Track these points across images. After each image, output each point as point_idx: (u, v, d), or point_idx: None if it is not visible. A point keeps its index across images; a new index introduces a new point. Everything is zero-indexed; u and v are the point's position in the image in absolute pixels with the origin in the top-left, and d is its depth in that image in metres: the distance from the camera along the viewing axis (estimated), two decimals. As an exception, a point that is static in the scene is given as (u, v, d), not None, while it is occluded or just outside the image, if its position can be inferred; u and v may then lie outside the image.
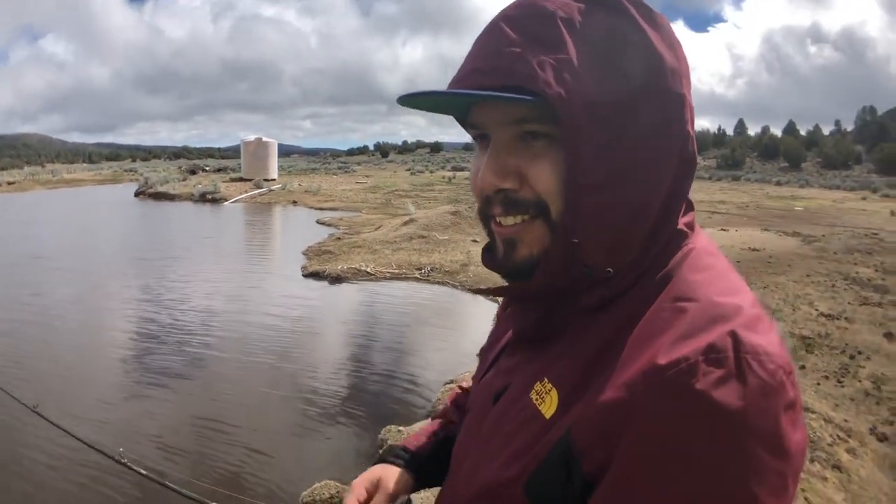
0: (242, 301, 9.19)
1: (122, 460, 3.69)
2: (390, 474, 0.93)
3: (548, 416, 0.63)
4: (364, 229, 16.15)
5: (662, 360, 0.54)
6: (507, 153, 0.65)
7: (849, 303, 7.85)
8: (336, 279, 10.55)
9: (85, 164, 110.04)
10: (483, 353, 0.90)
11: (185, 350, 6.90)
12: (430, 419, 1.10)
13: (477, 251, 11.65)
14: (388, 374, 6.18)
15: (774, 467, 0.52)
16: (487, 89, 0.62)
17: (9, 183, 44.38)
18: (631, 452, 0.54)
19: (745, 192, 25.13)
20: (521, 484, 0.62)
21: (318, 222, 18.88)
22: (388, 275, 10.70)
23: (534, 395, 0.66)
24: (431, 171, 47.38)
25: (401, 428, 4.65)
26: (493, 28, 0.65)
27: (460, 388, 1.09)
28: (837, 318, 7.07)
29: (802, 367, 5.52)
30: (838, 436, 4.21)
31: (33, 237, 16.66)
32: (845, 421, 4.46)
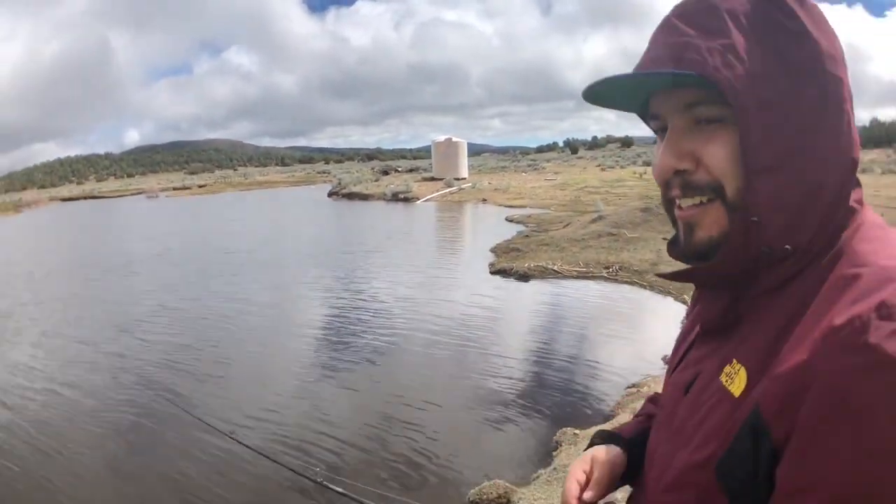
0: (430, 297, 9.64)
1: (318, 479, 4.00)
2: (606, 454, 0.93)
3: (737, 394, 0.65)
4: (552, 227, 16.08)
5: (838, 321, 0.56)
6: (683, 137, 0.70)
7: None
8: (523, 276, 10.64)
9: (277, 167, 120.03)
10: (674, 350, 0.92)
11: (370, 343, 7.44)
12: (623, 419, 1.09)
13: (668, 250, 11.10)
14: (567, 374, 6.11)
15: None
16: (680, 71, 0.66)
17: (199, 186, 50.18)
18: (812, 412, 0.55)
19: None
20: (711, 467, 0.64)
21: (506, 220, 19.16)
22: (574, 273, 10.57)
23: (723, 378, 0.68)
24: (622, 167, 45.70)
25: (577, 431, 4.57)
26: (666, 23, 0.71)
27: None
28: None
29: None
30: None
31: (236, 233, 18.79)
32: None
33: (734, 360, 0.67)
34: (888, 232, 0.67)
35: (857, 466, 0.52)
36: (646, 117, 0.78)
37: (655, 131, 0.76)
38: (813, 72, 0.65)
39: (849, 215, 0.68)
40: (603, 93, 0.73)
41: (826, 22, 0.67)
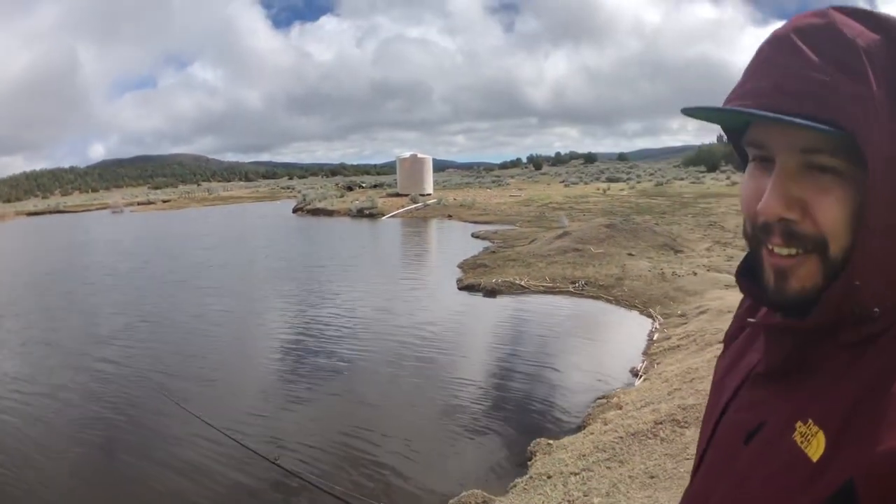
0: (398, 311, 9.72)
1: (277, 461, 4.01)
2: None
3: (814, 459, 0.61)
4: (518, 243, 16.32)
5: None
6: (793, 182, 0.64)
7: None
8: (490, 292, 10.79)
9: (241, 182, 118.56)
10: (718, 379, 0.88)
11: (339, 355, 7.51)
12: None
13: (632, 265, 11.39)
14: (538, 387, 6.26)
15: None
16: (791, 113, 0.60)
17: (163, 201, 49.66)
18: None
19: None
20: None
21: (472, 236, 19.37)
22: (541, 288, 10.76)
23: (798, 438, 0.63)
24: (586, 183, 46.59)
25: (550, 441, 4.70)
26: (789, 43, 0.64)
27: None
28: None
29: None
30: None
31: (205, 248, 18.60)
32: None
33: (810, 421, 0.63)
34: None
35: None
36: (730, 133, 0.75)
37: (751, 158, 0.71)
38: None
39: None
40: (716, 112, 0.68)
41: None
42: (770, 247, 0.67)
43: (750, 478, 0.68)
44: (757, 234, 0.69)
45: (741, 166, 0.74)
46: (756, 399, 0.73)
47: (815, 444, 0.61)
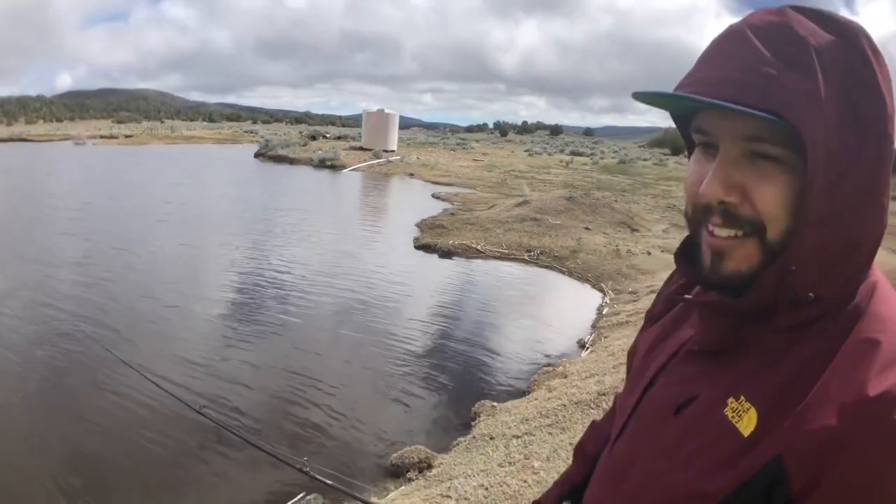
0: (351, 266, 9.66)
1: (201, 410, 3.90)
2: None
3: (745, 433, 0.65)
4: (478, 207, 16.31)
5: (872, 392, 0.59)
6: (735, 167, 0.67)
7: None
8: (446, 253, 10.80)
9: (204, 123, 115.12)
10: (640, 354, 0.92)
11: (287, 306, 7.41)
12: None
13: (588, 239, 11.52)
14: (485, 351, 6.32)
15: None
16: (735, 102, 0.63)
17: (126, 136, 48.20)
18: (842, 478, 0.58)
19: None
20: (715, 500, 0.65)
21: (433, 196, 19.28)
22: (497, 254, 10.81)
23: (729, 412, 0.67)
24: (550, 154, 46.73)
25: (494, 404, 4.76)
26: (742, 37, 0.66)
27: (593, 423, 1.13)
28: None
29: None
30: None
31: (163, 186, 18.10)
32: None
33: (742, 397, 0.67)
34: (894, 295, 0.70)
35: None
36: (680, 119, 0.77)
37: (696, 143, 0.73)
38: (875, 129, 0.64)
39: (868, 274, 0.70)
40: (661, 97, 0.70)
41: (889, 78, 0.66)
42: (710, 228, 0.70)
43: (678, 448, 0.71)
44: (698, 216, 0.72)
45: (689, 153, 0.77)
46: (687, 375, 0.76)
47: (746, 420, 0.65)
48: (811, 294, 0.65)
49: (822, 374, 0.62)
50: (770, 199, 0.65)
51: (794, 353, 0.66)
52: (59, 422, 4.47)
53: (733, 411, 0.67)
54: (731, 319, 0.71)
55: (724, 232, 0.69)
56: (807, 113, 0.61)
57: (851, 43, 0.64)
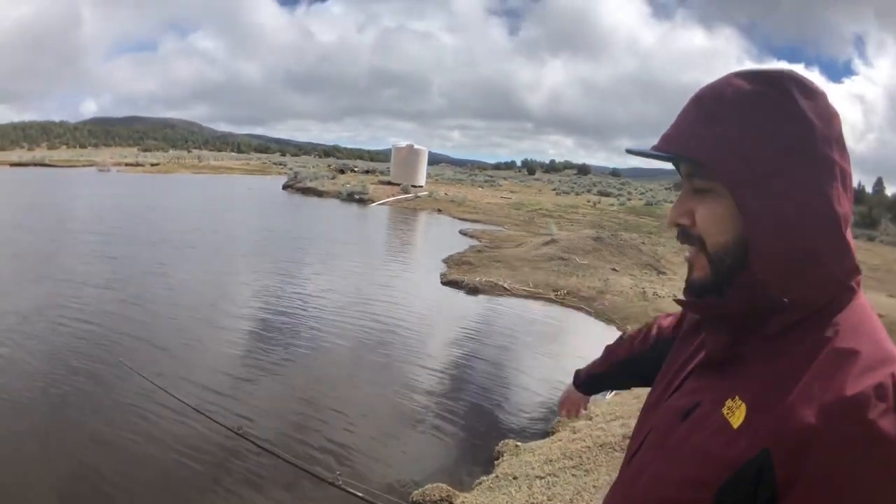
0: (380, 299, 9.73)
1: (239, 431, 3.96)
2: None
3: (735, 426, 0.75)
4: (505, 245, 16.38)
5: (849, 393, 0.68)
6: (689, 198, 0.86)
7: None
8: (473, 290, 10.84)
9: (233, 153, 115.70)
10: (663, 374, 1.03)
11: (316, 336, 7.49)
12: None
13: (615, 280, 11.50)
14: (510, 388, 6.32)
15: None
16: (668, 152, 0.84)
17: (153, 164, 48.79)
18: (821, 471, 0.66)
19: (878, 255, 22.48)
20: (713, 488, 0.74)
21: (460, 232, 19.39)
22: (524, 292, 10.82)
23: (725, 411, 0.77)
24: (577, 193, 46.72)
25: (518, 443, 4.76)
26: (688, 104, 0.86)
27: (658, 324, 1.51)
28: None
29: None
30: None
31: (199, 216, 18.44)
32: None
33: (736, 397, 0.77)
34: (874, 317, 0.79)
35: None
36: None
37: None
38: (805, 152, 0.76)
39: (847, 292, 0.79)
40: (637, 153, 0.90)
41: (828, 108, 0.78)
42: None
43: (681, 447, 0.82)
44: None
45: None
46: (695, 387, 0.88)
47: (737, 414, 0.75)
48: (785, 299, 0.77)
49: (804, 375, 0.72)
50: (702, 218, 0.83)
51: (783, 357, 0.76)
52: (94, 446, 4.58)
53: (728, 409, 0.77)
54: (730, 328, 0.83)
55: (686, 249, 0.88)
56: (715, 152, 0.79)
57: (777, 86, 0.78)
